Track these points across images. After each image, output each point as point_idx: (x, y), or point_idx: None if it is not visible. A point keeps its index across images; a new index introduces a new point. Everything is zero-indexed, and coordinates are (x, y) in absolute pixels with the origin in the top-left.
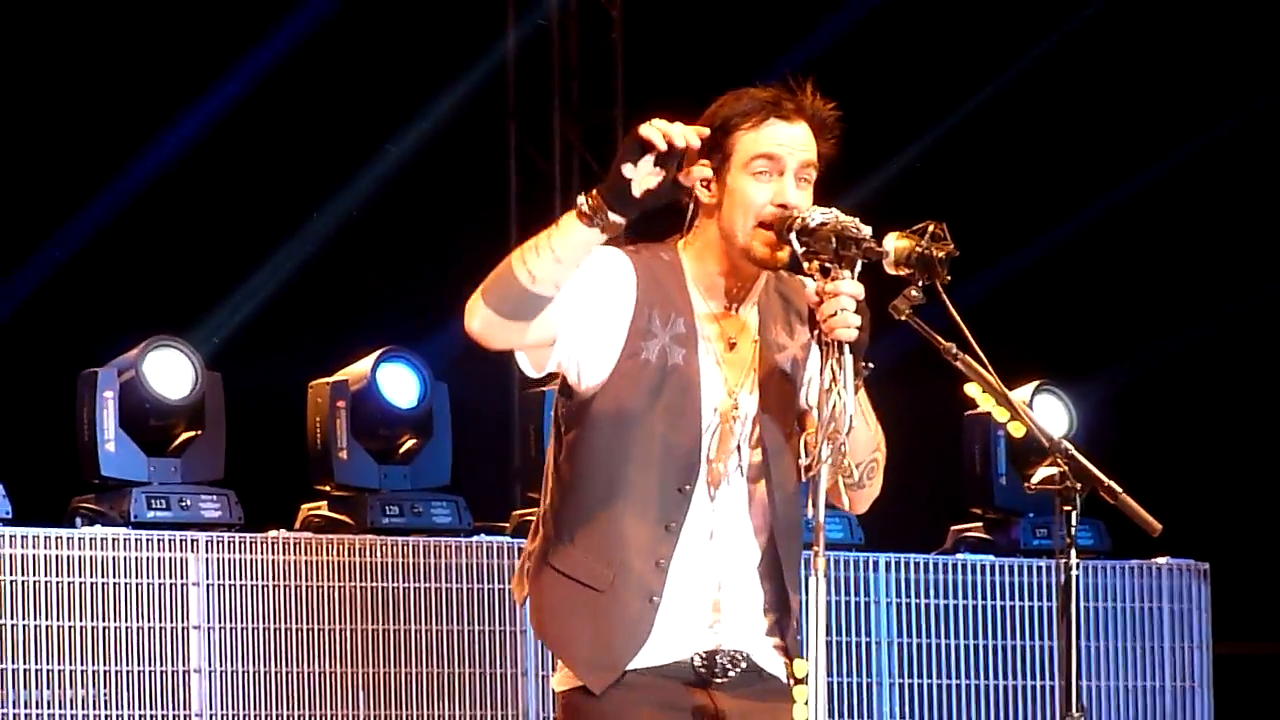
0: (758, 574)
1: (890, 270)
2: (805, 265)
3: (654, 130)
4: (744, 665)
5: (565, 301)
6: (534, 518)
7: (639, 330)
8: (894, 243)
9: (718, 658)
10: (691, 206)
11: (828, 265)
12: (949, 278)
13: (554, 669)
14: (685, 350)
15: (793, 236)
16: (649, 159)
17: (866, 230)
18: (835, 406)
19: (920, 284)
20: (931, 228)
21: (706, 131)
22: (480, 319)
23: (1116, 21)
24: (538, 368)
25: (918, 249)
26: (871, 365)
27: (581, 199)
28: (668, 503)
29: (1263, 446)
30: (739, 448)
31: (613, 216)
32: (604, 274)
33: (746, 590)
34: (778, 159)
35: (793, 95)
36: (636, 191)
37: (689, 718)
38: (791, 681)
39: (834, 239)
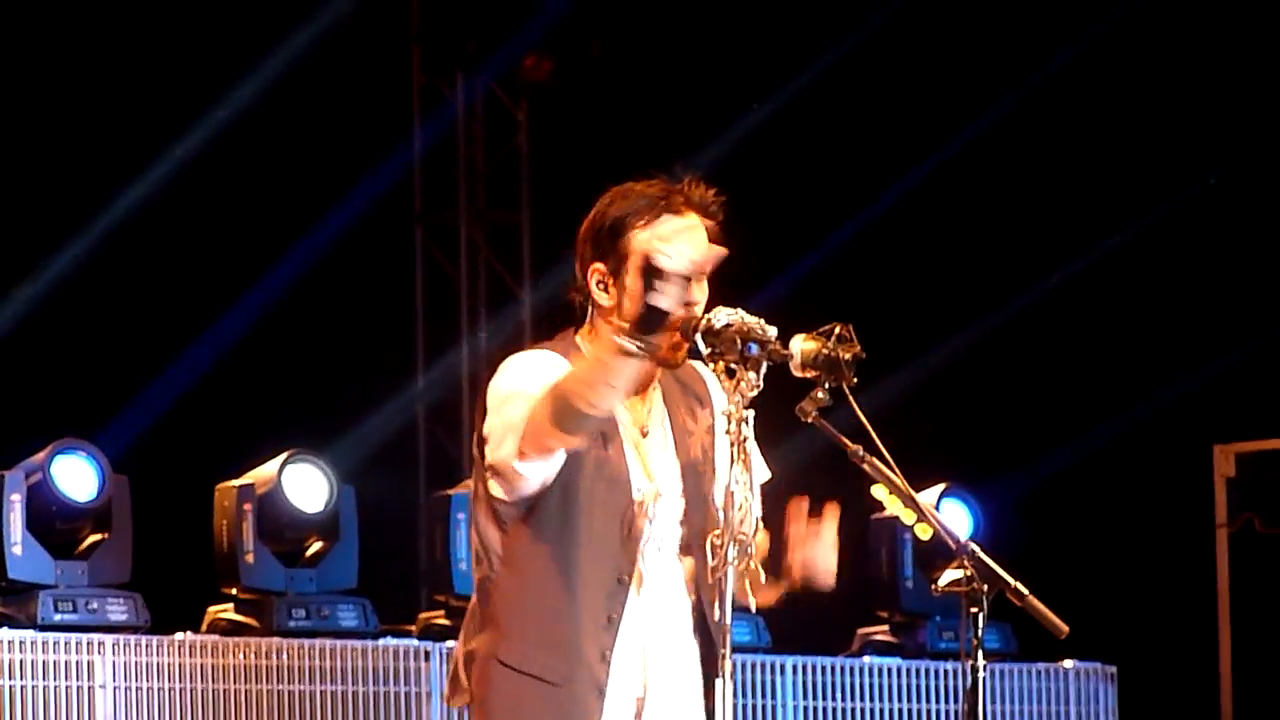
0: (697, 662)
1: (796, 372)
2: (711, 366)
3: (682, 262)
4: None
5: None
6: (464, 621)
7: None
8: (800, 345)
9: None
10: (590, 306)
11: (733, 366)
12: (855, 380)
13: None
14: (610, 441)
15: (698, 338)
16: (677, 285)
17: (772, 331)
18: (742, 508)
19: (827, 386)
20: (838, 329)
21: (724, 251)
22: (555, 441)
23: (1021, 123)
24: (543, 484)
25: (824, 351)
26: None
27: (624, 342)
28: (609, 594)
29: (1168, 549)
30: (667, 535)
31: (653, 341)
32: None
33: (684, 680)
34: None
35: (679, 187)
36: (673, 314)
37: None
38: None
39: (739, 340)
